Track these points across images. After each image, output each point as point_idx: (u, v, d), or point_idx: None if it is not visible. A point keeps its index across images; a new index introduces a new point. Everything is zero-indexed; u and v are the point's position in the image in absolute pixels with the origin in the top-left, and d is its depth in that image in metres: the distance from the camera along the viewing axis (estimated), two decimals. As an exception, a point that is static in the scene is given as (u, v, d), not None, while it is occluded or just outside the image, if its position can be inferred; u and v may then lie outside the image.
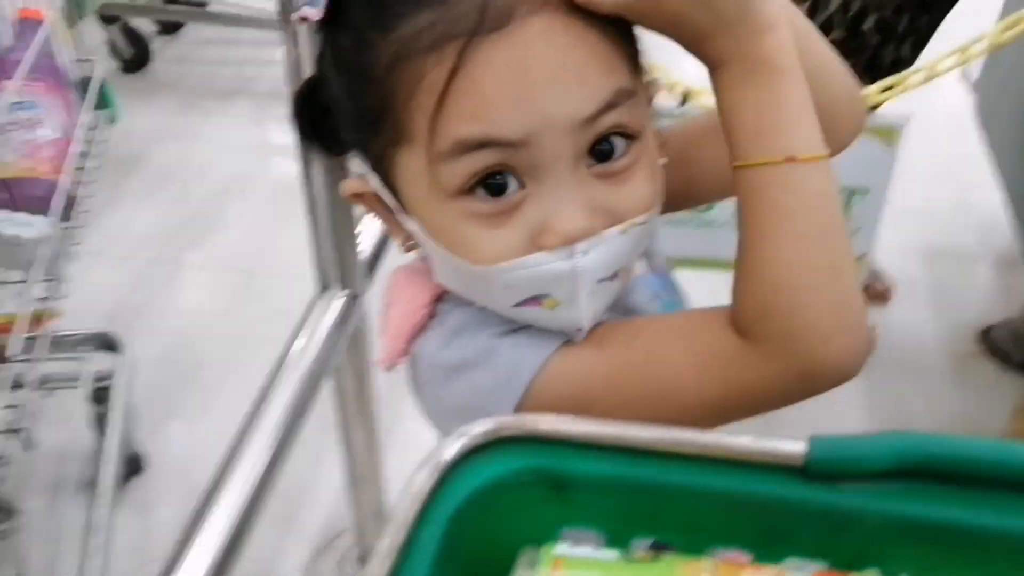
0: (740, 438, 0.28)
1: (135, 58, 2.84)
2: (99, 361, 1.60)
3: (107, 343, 1.63)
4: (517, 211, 0.53)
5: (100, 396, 1.56)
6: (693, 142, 0.67)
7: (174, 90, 2.80)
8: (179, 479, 1.63)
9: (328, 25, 0.57)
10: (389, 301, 0.65)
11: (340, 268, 1.19)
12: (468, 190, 0.52)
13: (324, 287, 1.19)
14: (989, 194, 1.95)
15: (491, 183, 0.52)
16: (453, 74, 0.49)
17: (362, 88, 0.54)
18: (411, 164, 0.54)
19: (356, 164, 0.62)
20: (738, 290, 0.52)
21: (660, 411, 0.52)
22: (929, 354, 1.93)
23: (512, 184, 0.52)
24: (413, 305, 0.63)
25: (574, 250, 0.52)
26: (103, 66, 1.47)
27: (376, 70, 0.52)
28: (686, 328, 0.56)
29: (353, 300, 1.21)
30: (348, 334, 1.20)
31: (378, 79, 0.52)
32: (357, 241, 1.18)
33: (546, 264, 0.53)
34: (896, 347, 1.93)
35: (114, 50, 2.81)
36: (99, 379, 1.57)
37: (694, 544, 0.29)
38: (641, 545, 0.29)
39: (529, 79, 0.50)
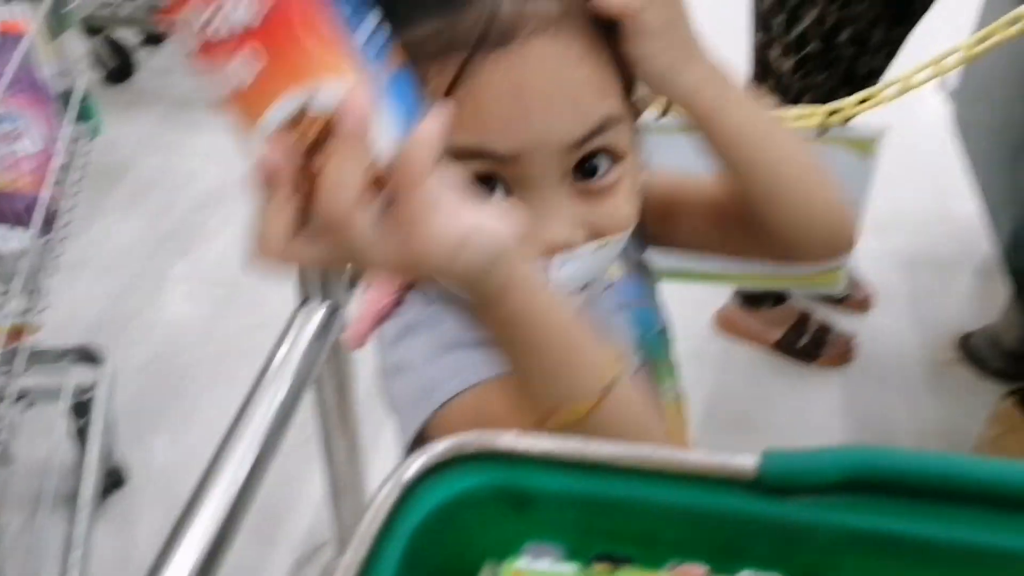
0: (695, 453, 0.29)
1: (119, 69, 2.84)
2: (80, 374, 1.60)
3: (88, 356, 1.62)
4: None
5: (81, 409, 1.56)
6: (677, 203, 0.70)
7: (158, 101, 2.79)
8: (160, 492, 1.62)
9: None
10: (369, 284, 0.68)
11: (322, 279, 1.19)
12: None
13: (305, 298, 1.19)
14: (967, 203, 1.98)
15: (479, 188, 0.54)
16: (453, 85, 0.51)
17: None
18: None
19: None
20: None
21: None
22: (908, 361, 1.94)
23: (499, 191, 0.54)
24: (383, 291, 0.65)
25: (551, 261, 0.54)
26: (85, 78, 1.48)
27: None
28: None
29: (334, 311, 1.21)
30: (329, 345, 1.20)
31: None
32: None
33: None
34: (876, 354, 1.94)
35: (98, 61, 2.80)
36: (80, 392, 1.56)
37: (652, 557, 0.30)
38: (602, 559, 0.30)
39: (526, 99, 0.51)
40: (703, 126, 0.59)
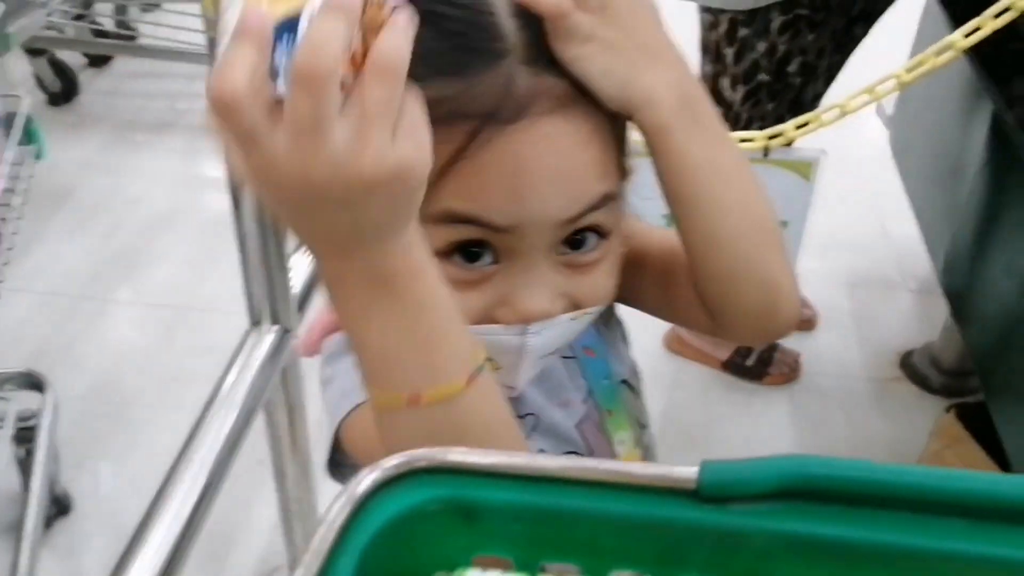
0: (637, 465, 0.30)
1: (63, 91, 2.81)
2: (23, 400, 1.57)
3: (31, 382, 1.59)
4: (486, 282, 0.55)
5: (24, 436, 1.53)
6: (673, 271, 0.65)
7: (103, 123, 2.76)
8: (106, 520, 1.59)
9: None
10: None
11: (271, 303, 1.19)
12: (445, 253, 0.54)
13: (255, 322, 1.19)
14: (907, 224, 2.03)
15: (468, 251, 0.54)
16: (458, 154, 0.50)
17: None
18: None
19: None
20: None
21: None
22: (852, 379, 1.99)
23: (487, 257, 0.54)
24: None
25: (527, 329, 0.55)
26: (28, 101, 1.46)
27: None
28: None
29: (284, 335, 1.20)
30: (280, 369, 1.20)
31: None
32: (289, 276, 1.18)
33: (498, 335, 0.55)
34: (820, 373, 1.99)
35: (41, 83, 2.76)
36: (23, 419, 1.53)
37: (597, 567, 0.31)
38: (550, 568, 0.31)
39: (528, 178, 0.51)
40: (650, 144, 0.56)
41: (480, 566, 0.31)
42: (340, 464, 0.66)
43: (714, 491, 0.29)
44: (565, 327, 0.57)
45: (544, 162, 0.52)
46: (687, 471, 0.29)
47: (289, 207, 0.42)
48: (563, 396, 0.69)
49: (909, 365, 1.99)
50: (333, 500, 0.30)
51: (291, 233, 0.44)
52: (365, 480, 0.30)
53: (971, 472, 0.29)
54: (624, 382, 0.74)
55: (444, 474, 0.30)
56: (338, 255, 0.44)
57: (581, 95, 0.53)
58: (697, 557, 0.30)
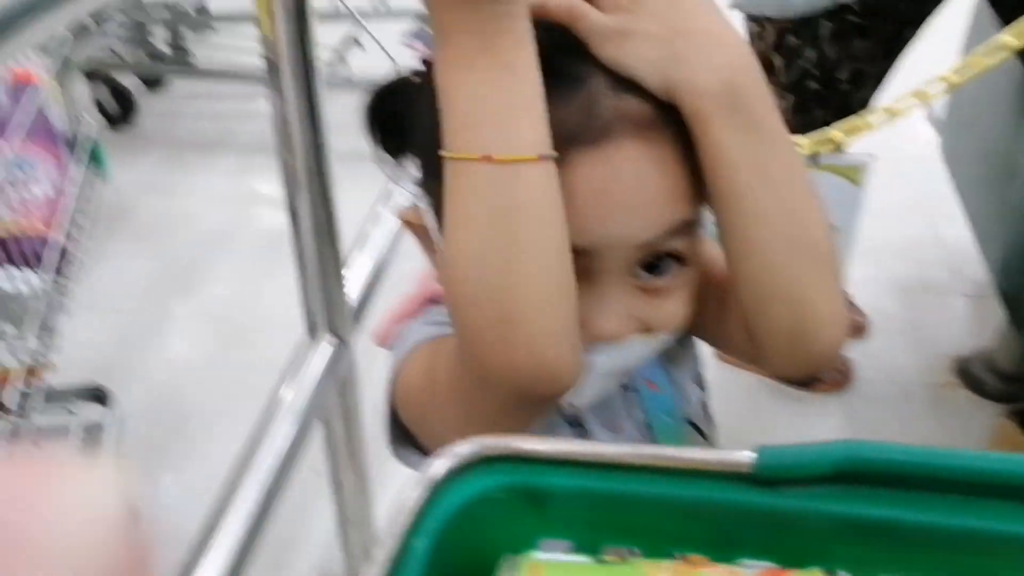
0: (695, 450, 0.31)
1: (121, 114, 2.89)
2: (88, 413, 1.62)
3: (96, 395, 1.65)
4: None
5: (90, 448, 1.58)
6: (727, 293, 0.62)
7: (160, 144, 2.84)
8: (169, 531, 1.63)
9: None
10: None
11: (328, 315, 1.21)
12: None
13: (313, 334, 1.22)
14: (959, 229, 2.01)
15: None
16: None
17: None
18: None
19: (406, 196, 0.66)
20: None
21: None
22: (906, 385, 1.97)
23: None
24: (412, 298, 0.69)
25: (596, 348, 0.56)
26: (93, 125, 1.51)
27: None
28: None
29: (342, 346, 1.23)
30: (338, 380, 1.22)
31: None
32: (344, 287, 1.21)
33: None
34: (873, 379, 1.97)
35: (100, 106, 2.85)
36: (88, 431, 1.58)
37: (656, 549, 0.32)
38: (612, 551, 0.33)
39: (611, 200, 0.52)
40: (692, 134, 0.53)
41: (546, 548, 0.33)
42: (399, 440, 0.68)
43: (770, 474, 0.30)
44: (633, 349, 0.57)
45: (625, 184, 0.52)
46: (744, 455, 0.30)
47: None
48: (615, 422, 0.68)
49: (964, 370, 1.96)
50: (409, 485, 0.32)
51: None
52: (439, 466, 0.31)
53: (1020, 455, 0.30)
54: (690, 422, 0.72)
55: (512, 461, 0.32)
56: (455, 3, 0.47)
57: (664, 119, 0.53)
58: (753, 539, 0.31)
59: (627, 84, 0.52)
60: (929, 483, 0.30)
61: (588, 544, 0.33)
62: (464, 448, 0.32)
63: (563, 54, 0.52)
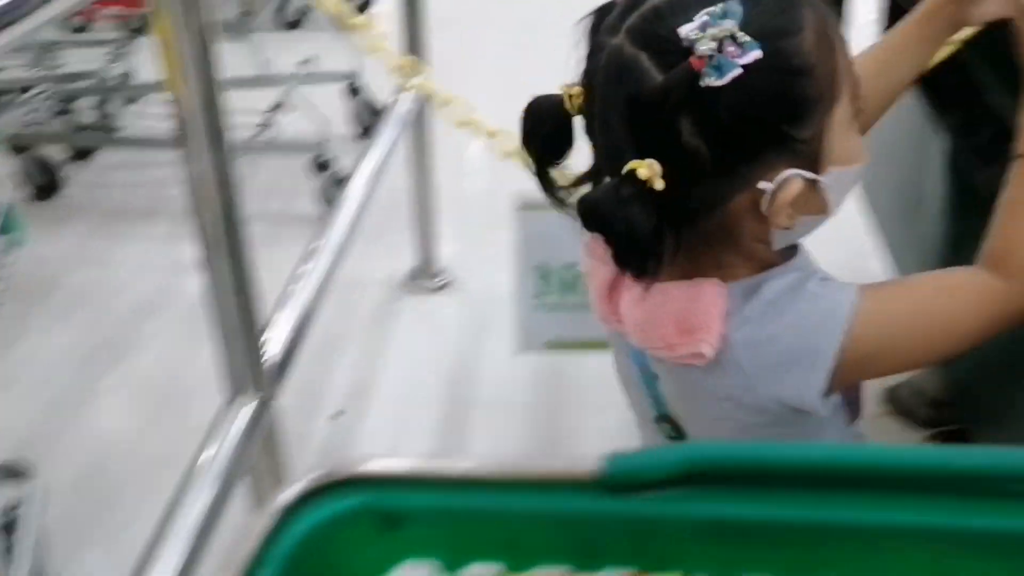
0: (542, 460, 0.31)
1: (46, 185, 2.85)
2: (7, 491, 1.56)
3: (14, 472, 1.59)
4: None
5: (9, 527, 1.52)
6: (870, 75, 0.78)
7: (88, 214, 2.80)
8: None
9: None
10: (654, 317, 0.69)
11: (250, 373, 1.20)
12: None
13: (233, 394, 1.20)
14: (881, 261, 2.06)
15: None
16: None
17: (802, 86, 0.65)
18: (839, 116, 0.67)
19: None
20: (998, 235, 0.70)
21: (940, 344, 0.67)
22: (840, 418, 1.99)
23: None
24: (707, 298, 0.67)
25: None
26: (7, 191, 1.49)
27: (807, 63, 0.65)
28: (947, 276, 0.72)
29: (264, 404, 1.21)
30: (261, 438, 1.20)
31: (810, 68, 0.65)
32: (264, 347, 1.19)
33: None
34: (808, 413, 1.98)
35: (25, 178, 2.81)
36: (8, 509, 1.52)
37: (520, 564, 0.32)
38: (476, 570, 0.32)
39: None
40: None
41: (404, 573, 0.32)
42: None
43: (620, 480, 0.30)
44: None
45: None
46: (589, 463, 0.30)
47: None
48: None
49: (895, 399, 1.99)
50: (256, 512, 0.31)
51: None
52: (287, 492, 0.31)
53: (869, 445, 0.30)
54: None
55: (364, 483, 0.31)
56: None
57: None
58: (614, 547, 0.31)
59: None
60: (778, 480, 0.30)
61: (450, 564, 0.32)
62: (312, 473, 0.31)
63: None
